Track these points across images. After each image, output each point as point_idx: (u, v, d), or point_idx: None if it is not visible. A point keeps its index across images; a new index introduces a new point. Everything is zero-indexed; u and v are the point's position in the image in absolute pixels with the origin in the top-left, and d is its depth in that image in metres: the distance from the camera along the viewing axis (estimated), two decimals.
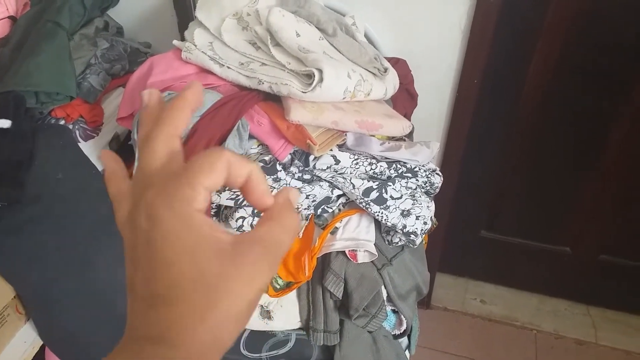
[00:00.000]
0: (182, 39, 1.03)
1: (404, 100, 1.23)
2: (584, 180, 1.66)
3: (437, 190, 1.06)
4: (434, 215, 1.51)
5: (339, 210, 0.99)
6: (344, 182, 0.91)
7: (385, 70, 1.00)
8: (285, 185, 0.88)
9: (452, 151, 1.51)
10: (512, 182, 1.73)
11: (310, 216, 0.97)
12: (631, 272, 1.85)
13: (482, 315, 1.98)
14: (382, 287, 1.00)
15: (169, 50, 1.02)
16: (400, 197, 0.95)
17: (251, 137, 0.90)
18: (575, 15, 1.31)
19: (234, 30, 0.99)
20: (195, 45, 0.97)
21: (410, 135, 1.22)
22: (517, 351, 1.87)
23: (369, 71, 0.98)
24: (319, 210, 0.95)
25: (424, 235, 1.00)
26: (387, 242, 1.02)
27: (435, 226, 1.30)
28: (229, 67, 0.93)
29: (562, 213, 1.77)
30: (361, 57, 0.98)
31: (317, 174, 0.90)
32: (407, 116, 1.28)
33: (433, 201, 1.05)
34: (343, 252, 0.97)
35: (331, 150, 0.92)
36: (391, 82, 1.04)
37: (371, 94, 0.97)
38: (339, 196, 0.96)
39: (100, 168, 1.07)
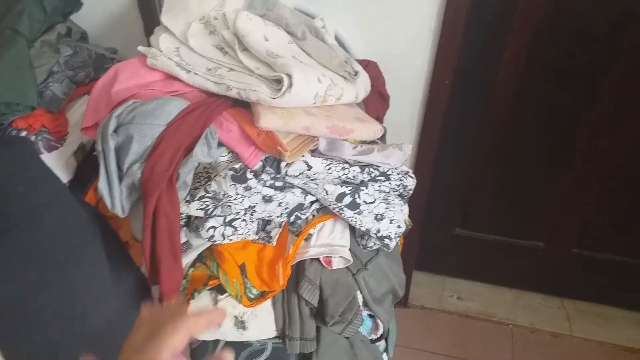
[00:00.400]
0: (149, 44, 1.01)
1: (376, 102, 1.22)
2: (556, 176, 1.68)
3: (411, 192, 1.06)
4: (409, 216, 1.51)
5: (313, 216, 0.98)
6: (316, 188, 0.90)
7: (356, 73, 0.99)
8: (256, 193, 0.86)
9: (425, 151, 1.51)
10: (485, 179, 1.74)
11: (283, 223, 0.96)
12: (603, 264, 1.88)
13: (459, 312, 1.99)
14: (358, 292, 0.99)
15: (135, 56, 0.99)
16: (374, 202, 0.94)
17: (220, 144, 0.88)
18: (544, 13, 1.32)
19: (200, 35, 0.96)
20: (161, 51, 0.95)
21: (383, 138, 1.22)
22: (494, 347, 1.89)
23: (340, 75, 0.97)
24: (292, 217, 0.93)
25: (398, 239, 1.00)
26: (361, 247, 1.01)
27: (409, 228, 1.30)
28: (196, 73, 0.91)
29: (534, 209, 1.79)
30: (331, 61, 0.97)
31: (289, 180, 0.89)
32: (380, 118, 1.28)
33: (407, 204, 1.04)
34: (317, 259, 0.96)
35: (303, 156, 0.91)
36: (362, 86, 1.03)
37: (342, 98, 0.96)
38: (312, 202, 0.95)
39: (64, 179, 1.04)
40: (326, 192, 0.90)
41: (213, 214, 0.87)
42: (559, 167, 1.65)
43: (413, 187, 1.05)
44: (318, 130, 0.89)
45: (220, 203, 0.86)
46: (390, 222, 0.96)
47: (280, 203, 0.89)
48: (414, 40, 1.24)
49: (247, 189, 0.85)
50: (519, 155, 1.65)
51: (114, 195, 0.87)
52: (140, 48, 0.98)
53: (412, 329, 1.92)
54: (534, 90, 1.49)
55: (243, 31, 0.91)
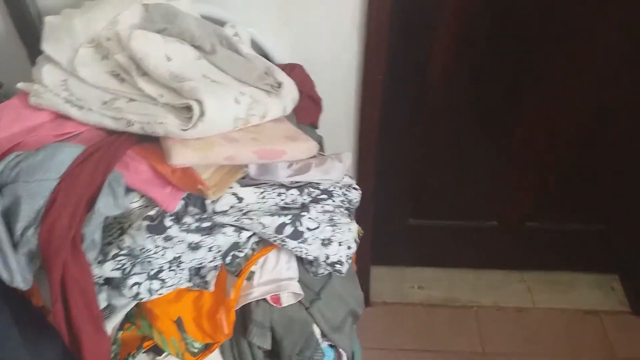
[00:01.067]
0: None
1: (308, 108, 1.12)
2: (500, 156, 1.64)
3: (357, 205, 0.97)
4: (358, 218, 1.42)
5: (253, 250, 0.87)
6: (251, 223, 0.79)
7: (280, 84, 0.88)
8: (179, 243, 0.74)
9: (366, 147, 1.42)
10: (431, 167, 1.68)
11: (219, 266, 0.84)
12: (557, 234, 1.88)
13: (422, 302, 1.94)
14: (314, 325, 0.89)
15: (16, 94, 0.84)
16: (318, 227, 0.84)
17: (130, 189, 0.75)
18: None
19: (91, 61, 0.82)
20: (46, 87, 0.80)
21: (320, 145, 1.12)
22: (461, 332, 1.85)
23: (261, 89, 0.86)
24: (229, 258, 0.82)
25: (350, 261, 0.90)
26: (312, 274, 0.91)
27: (361, 235, 1.22)
28: (90, 109, 0.77)
29: (484, 190, 1.75)
30: (249, 74, 0.86)
31: (218, 219, 0.77)
32: (314, 123, 1.18)
33: (354, 220, 0.95)
34: (265, 298, 0.86)
35: (231, 187, 0.79)
36: (289, 96, 0.92)
37: (268, 115, 0.85)
38: (249, 237, 0.83)
39: None
40: (263, 225, 0.79)
41: (132, 272, 0.74)
42: (502, 146, 1.61)
43: (359, 199, 0.96)
44: (244, 158, 0.78)
45: (139, 260, 0.73)
46: (340, 245, 0.87)
47: (210, 248, 0.77)
48: (339, 38, 1.13)
49: (168, 239, 0.73)
50: (462, 139, 1.59)
51: (10, 267, 0.72)
52: (21, 85, 0.83)
53: (376, 327, 1.85)
54: (469, 70, 1.42)
55: (140, 53, 0.77)
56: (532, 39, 1.35)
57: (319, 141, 1.12)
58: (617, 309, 1.95)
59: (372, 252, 1.82)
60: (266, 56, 1.08)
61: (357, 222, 1.61)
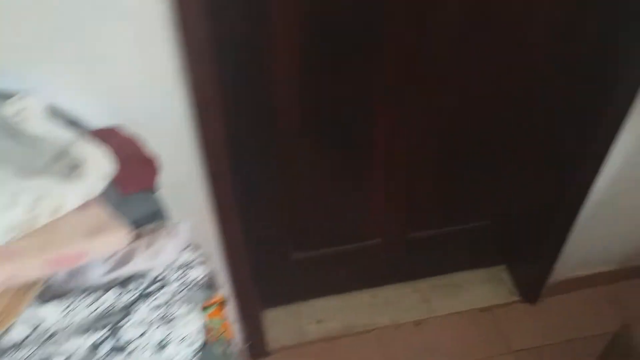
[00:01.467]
0: None
1: (137, 174, 0.97)
2: (368, 174, 1.60)
3: (206, 280, 0.84)
4: (235, 272, 1.29)
5: None
6: (56, 350, 0.64)
7: (78, 165, 0.74)
8: None
9: (224, 197, 1.29)
10: (302, 200, 1.60)
11: None
12: (439, 238, 1.89)
13: (322, 337, 1.85)
14: None
15: None
16: (147, 331, 0.70)
17: None
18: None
19: None
20: None
21: (158, 214, 0.98)
22: None
23: (53, 176, 0.71)
24: None
25: (198, 356, 0.77)
26: None
27: (226, 302, 1.09)
28: None
29: (360, 211, 1.71)
30: (34, 161, 0.71)
31: (13, 355, 0.62)
32: (151, 187, 1.04)
33: (201, 302, 0.82)
34: None
35: (23, 310, 0.64)
36: (95, 174, 0.78)
37: (63, 207, 0.70)
38: None
39: None
40: (72, 350, 0.64)
41: None
42: (365, 163, 1.57)
43: (206, 275, 0.84)
44: (32, 273, 0.63)
45: None
46: (180, 343, 0.74)
47: None
48: (161, 86, 1.01)
49: None
50: (326, 165, 1.53)
51: None
52: None
53: None
54: (317, 89, 1.35)
55: None
56: (379, 46, 1.30)
57: (157, 208, 0.99)
58: (509, 300, 2.00)
59: (261, 297, 1.71)
60: (75, 123, 0.93)
61: (235, 275, 1.50)
